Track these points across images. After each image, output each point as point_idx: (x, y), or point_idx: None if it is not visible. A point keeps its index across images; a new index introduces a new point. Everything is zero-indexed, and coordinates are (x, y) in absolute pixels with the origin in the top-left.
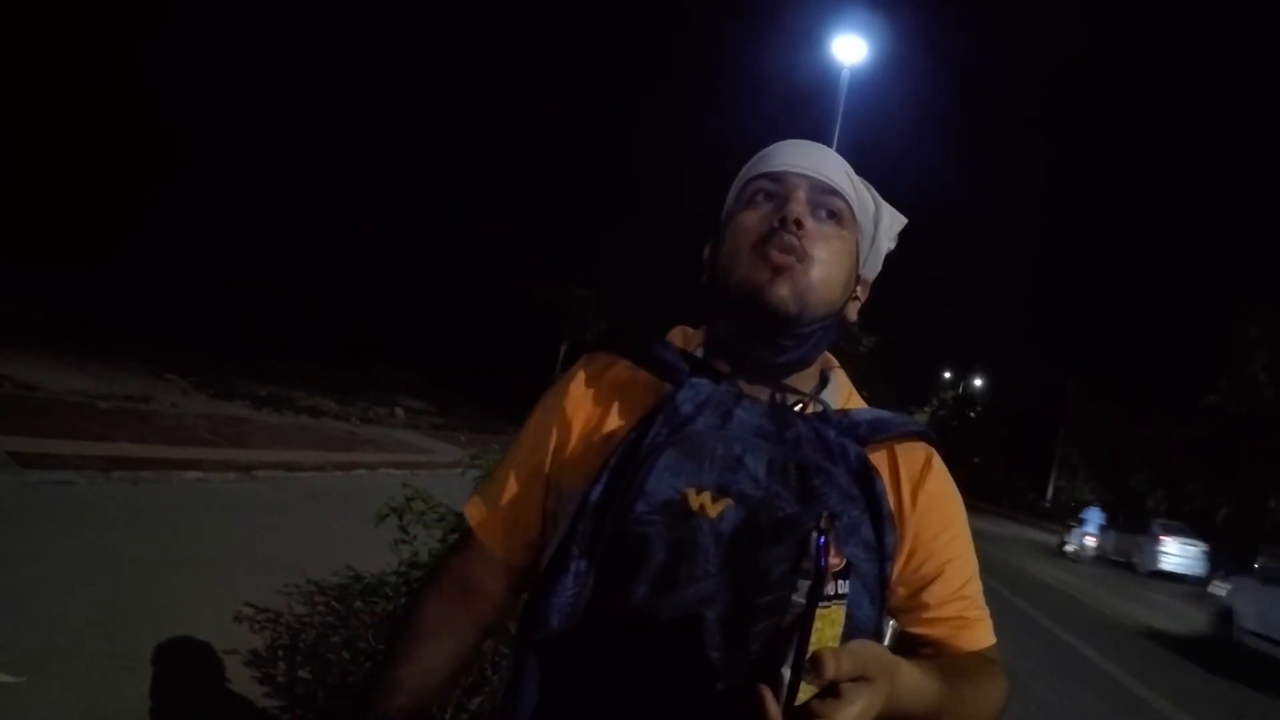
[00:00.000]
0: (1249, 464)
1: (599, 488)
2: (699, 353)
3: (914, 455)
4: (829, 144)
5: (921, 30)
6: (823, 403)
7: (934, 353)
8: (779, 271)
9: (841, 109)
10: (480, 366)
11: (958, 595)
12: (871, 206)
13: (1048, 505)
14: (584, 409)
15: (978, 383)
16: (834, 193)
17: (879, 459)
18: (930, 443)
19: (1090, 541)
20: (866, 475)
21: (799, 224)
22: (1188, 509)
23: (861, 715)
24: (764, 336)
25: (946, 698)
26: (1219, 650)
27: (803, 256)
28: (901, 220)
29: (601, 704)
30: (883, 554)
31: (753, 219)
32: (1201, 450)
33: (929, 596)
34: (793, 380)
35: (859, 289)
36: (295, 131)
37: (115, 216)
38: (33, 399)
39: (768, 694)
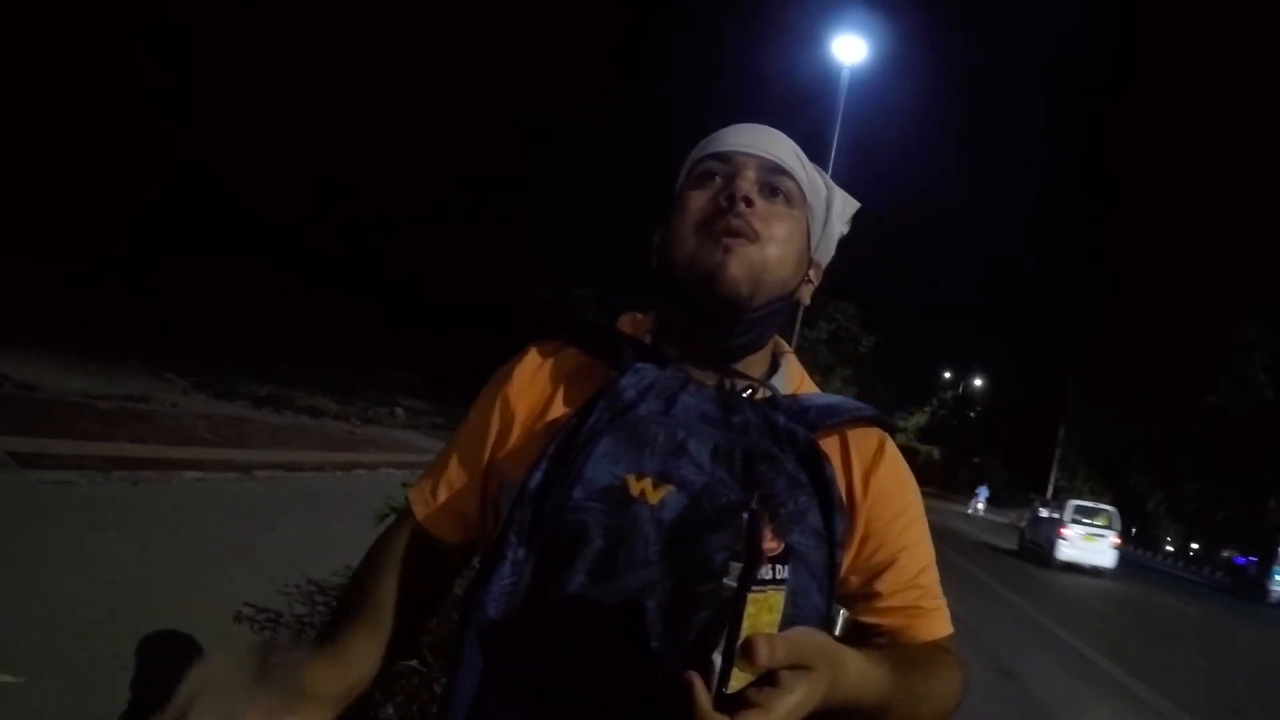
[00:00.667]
0: (1249, 464)
1: (538, 474)
2: (647, 338)
3: (866, 441)
4: (829, 144)
5: (921, 30)
6: (772, 388)
7: (934, 353)
8: (729, 251)
9: (841, 109)
10: (480, 367)
11: (912, 584)
12: (823, 189)
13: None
14: (527, 396)
15: (978, 383)
16: (783, 172)
17: (830, 445)
18: (884, 428)
19: (980, 506)
20: (815, 461)
21: (748, 202)
22: (1187, 509)
23: (800, 705)
24: (715, 319)
25: (896, 688)
26: (1020, 551)
27: (753, 236)
28: (854, 204)
29: (540, 693)
30: (832, 541)
31: (700, 198)
32: (1201, 450)
33: (881, 585)
34: (743, 365)
35: (811, 272)
36: (295, 131)
37: (116, 216)
38: (33, 399)
39: (697, 681)
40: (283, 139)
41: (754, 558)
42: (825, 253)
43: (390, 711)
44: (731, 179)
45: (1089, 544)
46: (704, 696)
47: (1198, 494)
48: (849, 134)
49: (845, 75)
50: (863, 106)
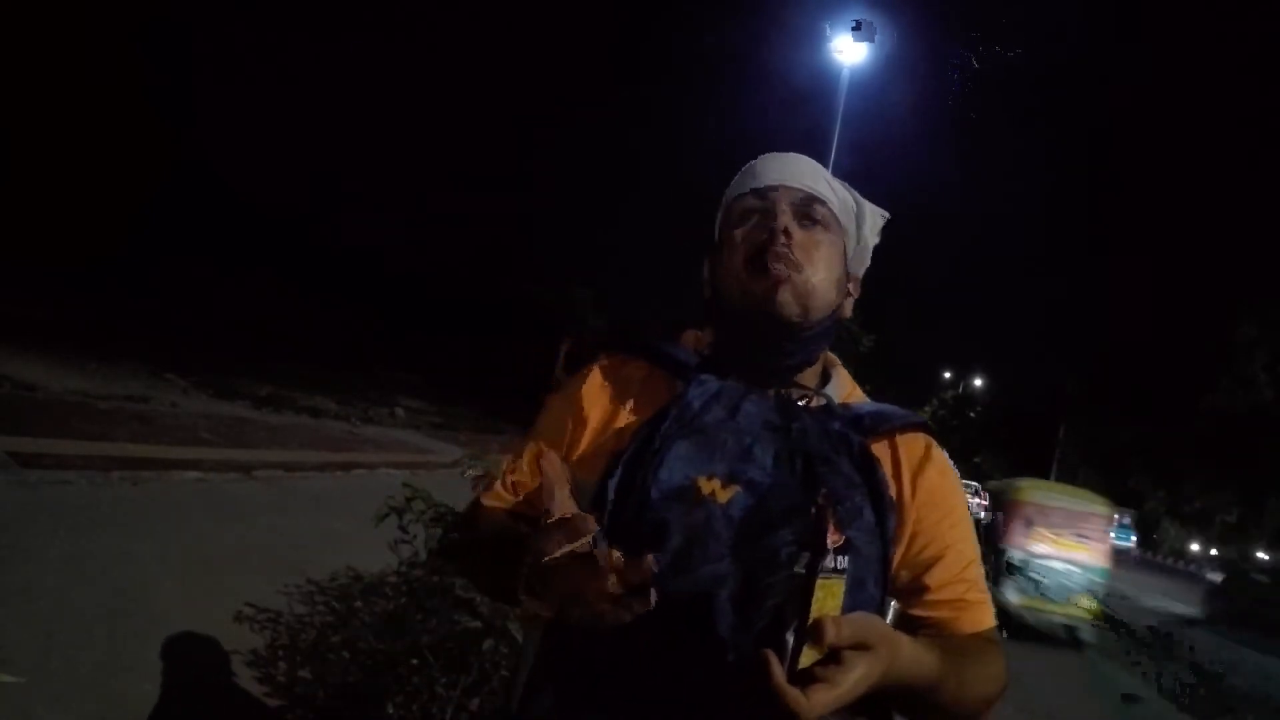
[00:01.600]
0: (1249, 464)
1: (616, 477)
2: (708, 353)
3: (914, 445)
4: (829, 144)
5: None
6: (826, 397)
7: (934, 353)
8: (778, 282)
9: (842, 109)
10: (480, 366)
11: (958, 578)
12: (853, 206)
13: None
14: (598, 405)
15: (978, 383)
16: (816, 200)
17: (880, 449)
18: (929, 434)
19: None
20: (868, 464)
21: (788, 234)
22: (1187, 509)
23: (861, 680)
24: (770, 343)
25: (946, 672)
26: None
27: (797, 266)
28: (883, 215)
29: (620, 679)
30: (884, 537)
31: (743, 235)
32: (1201, 450)
33: (930, 579)
34: (798, 378)
35: (851, 286)
36: (295, 131)
37: (115, 216)
38: (33, 399)
39: (773, 658)
40: (283, 139)
41: (821, 547)
42: (860, 265)
43: (390, 711)
44: (771, 214)
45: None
46: (779, 670)
47: (1197, 494)
48: (849, 134)
49: (845, 75)
50: (863, 106)
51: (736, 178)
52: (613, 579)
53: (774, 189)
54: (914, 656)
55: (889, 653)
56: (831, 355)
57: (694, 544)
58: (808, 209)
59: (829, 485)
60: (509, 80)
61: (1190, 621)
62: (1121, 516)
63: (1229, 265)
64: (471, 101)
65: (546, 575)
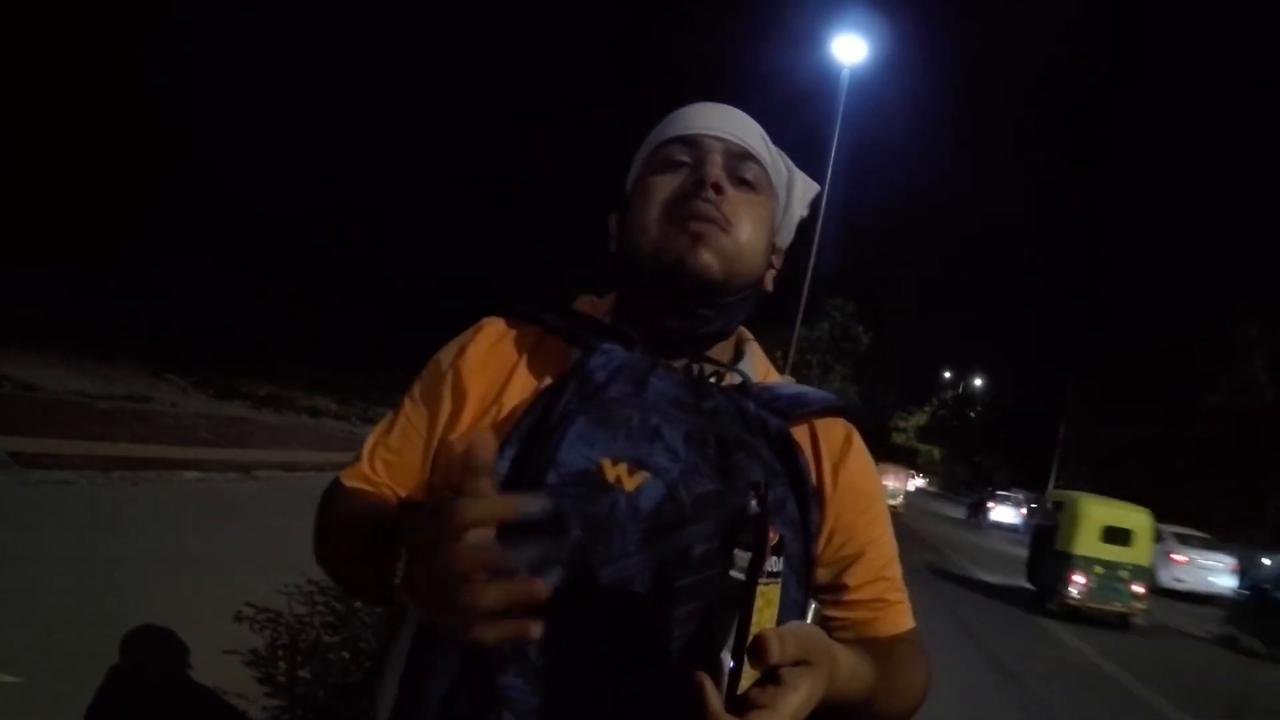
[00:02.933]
0: (1249, 464)
1: (507, 457)
2: (608, 320)
3: (833, 432)
4: (829, 144)
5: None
6: (741, 374)
7: (934, 353)
8: (699, 238)
9: (842, 109)
10: None
11: (878, 576)
12: (784, 172)
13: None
14: (482, 374)
15: (978, 383)
16: (750, 158)
17: (799, 435)
18: (851, 418)
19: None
20: (789, 450)
21: (718, 189)
22: (1187, 509)
23: (805, 703)
24: (683, 307)
25: (878, 681)
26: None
27: (724, 224)
28: (814, 188)
29: (518, 693)
30: (808, 531)
31: (665, 184)
32: (1201, 450)
33: (850, 578)
34: (710, 352)
35: (774, 258)
36: (296, 132)
37: (115, 216)
38: (33, 399)
39: (708, 683)
40: (283, 139)
41: (763, 548)
42: (786, 237)
43: None
44: (700, 164)
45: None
46: (715, 699)
47: (1197, 494)
48: (849, 134)
49: (845, 75)
50: (863, 106)
51: (662, 121)
52: (491, 589)
53: (707, 138)
54: (851, 670)
55: (830, 668)
56: (744, 330)
57: (596, 538)
58: (741, 166)
59: (748, 473)
60: (509, 81)
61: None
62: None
63: (1229, 266)
64: (472, 103)
65: (416, 570)
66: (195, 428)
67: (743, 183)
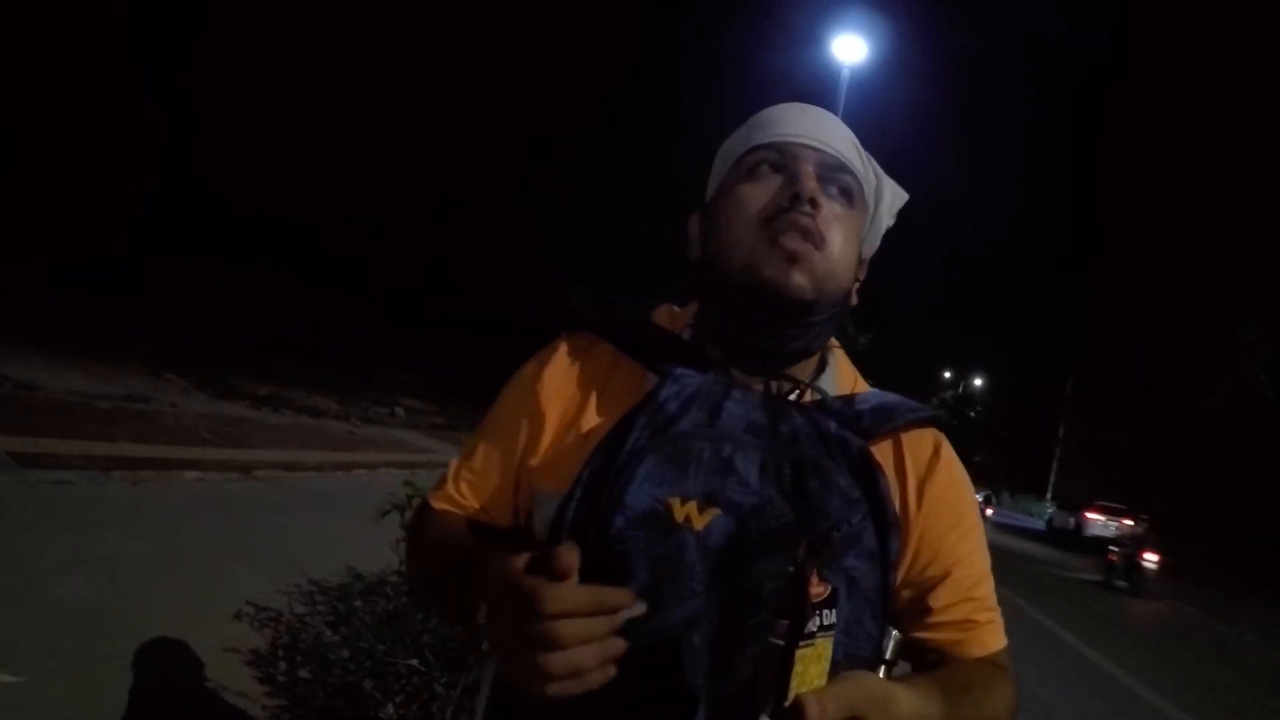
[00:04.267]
0: (1249, 464)
1: (575, 500)
2: (686, 334)
3: (921, 444)
4: None
5: (922, 30)
6: (821, 390)
7: (934, 353)
8: (794, 258)
9: (842, 109)
10: (480, 366)
11: (965, 597)
12: (874, 180)
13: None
14: (559, 399)
15: (978, 383)
16: (844, 169)
17: (882, 450)
18: (939, 428)
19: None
20: (869, 474)
21: (814, 203)
22: (1186, 508)
23: None
24: (770, 326)
25: (949, 717)
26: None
27: (819, 241)
28: (903, 196)
29: None
30: (886, 562)
31: (757, 194)
32: (1201, 450)
33: (934, 600)
34: (794, 369)
35: (860, 270)
36: (297, 131)
37: (115, 216)
38: (33, 399)
39: None
40: (285, 140)
41: (801, 614)
42: (871, 248)
43: (390, 711)
44: (795, 175)
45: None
46: None
47: (1197, 493)
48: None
49: (845, 75)
50: (863, 106)
51: (749, 122)
52: (571, 625)
53: (800, 145)
54: (913, 711)
55: (885, 716)
56: (832, 339)
57: (663, 579)
58: (834, 177)
59: (822, 503)
60: (510, 82)
61: None
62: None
63: (1230, 266)
64: (473, 103)
65: (496, 625)
66: (195, 428)
67: (836, 195)
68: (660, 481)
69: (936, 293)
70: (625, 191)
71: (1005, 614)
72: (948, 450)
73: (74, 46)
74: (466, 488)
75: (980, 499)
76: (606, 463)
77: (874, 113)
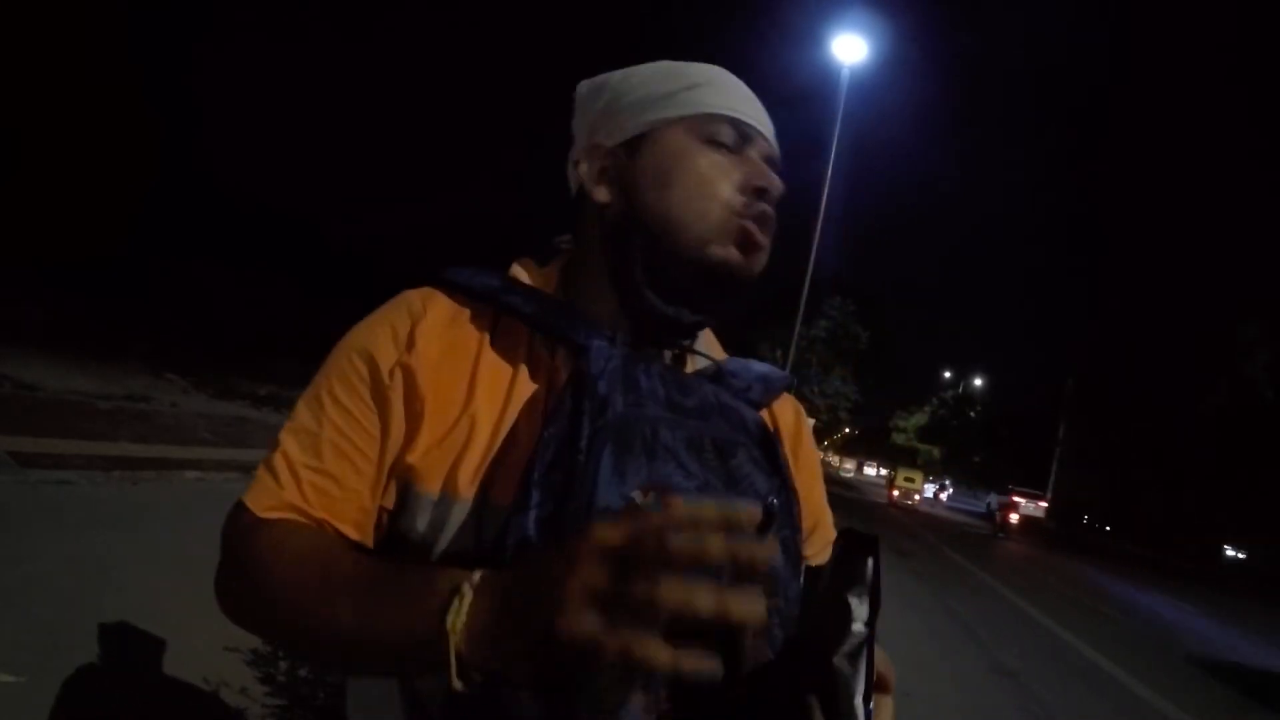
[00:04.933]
0: (1249, 464)
1: (532, 508)
2: (563, 296)
3: (786, 410)
4: (829, 144)
5: (922, 30)
6: (707, 356)
7: (934, 353)
8: (757, 249)
9: (842, 109)
10: None
11: (823, 522)
12: None
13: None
14: (439, 376)
15: (978, 382)
16: (775, 163)
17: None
18: (792, 392)
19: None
20: (770, 447)
21: (774, 202)
22: (1187, 508)
23: (892, 715)
24: (705, 303)
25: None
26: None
27: (771, 235)
28: None
29: None
30: (795, 526)
31: (720, 168)
32: (1201, 450)
33: (809, 548)
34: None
35: None
36: (296, 132)
37: (115, 216)
38: (33, 399)
39: None
40: (285, 139)
41: (878, 596)
42: None
43: None
44: (759, 166)
45: (909, 487)
46: None
47: (1196, 493)
48: (849, 134)
49: (845, 75)
50: (863, 106)
51: (677, 71)
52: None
53: (758, 133)
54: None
55: (892, 674)
56: None
57: None
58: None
59: (751, 481)
60: (510, 82)
61: None
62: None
63: (1230, 266)
64: (472, 103)
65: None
66: (195, 428)
67: None
68: (623, 474)
69: (937, 293)
70: None
71: (938, 556)
72: (803, 413)
73: (74, 46)
74: (312, 491)
75: (935, 487)
76: (557, 460)
77: (874, 112)
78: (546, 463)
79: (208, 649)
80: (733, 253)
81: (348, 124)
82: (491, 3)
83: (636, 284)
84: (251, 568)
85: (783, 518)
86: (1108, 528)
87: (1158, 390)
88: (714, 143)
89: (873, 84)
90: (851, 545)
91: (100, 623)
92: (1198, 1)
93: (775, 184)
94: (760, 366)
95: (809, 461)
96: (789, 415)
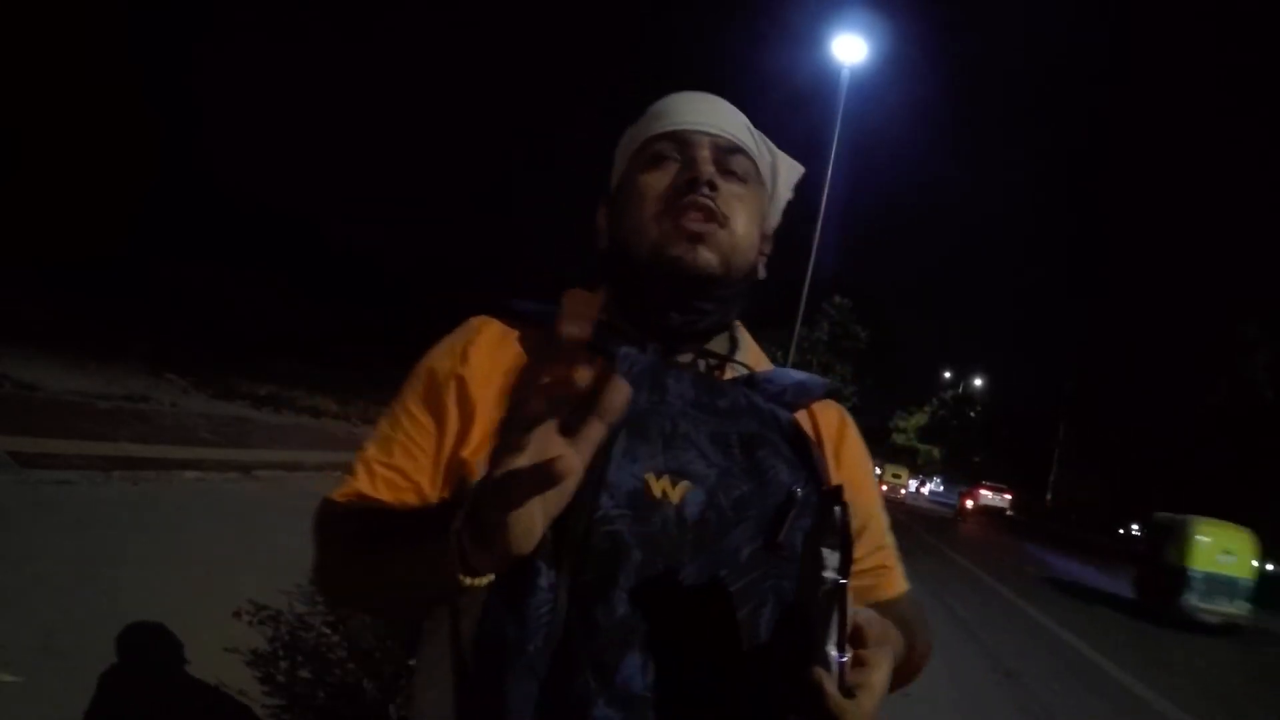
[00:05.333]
0: (1249, 464)
1: None
2: (604, 318)
3: (829, 415)
4: (829, 144)
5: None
6: (744, 365)
7: (934, 353)
8: (698, 237)
9: (842, 109)
10: None
11: (878, 545)
12: (768, 157)
13: (1048, 502)
14: (490, 384)
15: (978, 383)
16: (739, 150)
17: (800, 420)
18: (837, 400)
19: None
20: (803, 444)
21: (712, 185)
22: (1186, 506)
23: (888, 676)
24: (684, 303)
25: (904, 643)
26: None
27: (721, 219)
28: (798, 170)
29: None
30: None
31: (657, 181)
32: (1201, 450)
33: (856, 550)
34: (711, 346)
35: (765, 244)
36: (296, 132)
37: (115, 216)
38: (33, 399)
39: (826, 678)
40: (286, 139)
41: (849, 546)
42: (773, 222)
43: (390, 711)
44: (691, 160)
45: (896, 482)
46: (835, 689)
47: (1197, 493)
48: (849, 134)
49: (845, 75)
50: (863, 106)
51: (646, 114)
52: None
53: (695, 132)
54: (897, 635)
55: (895, 641)
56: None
57: (655, 557)
58: (729, 160)
59: (776, 472)
60: (509, 83)
61: None
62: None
63: (1230, 266)
64: (472, 103)
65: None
66: (195, 428)
67: (733, 176)
68: (635, 458)
69: (937, 293)
70: None
71: (910, 531)
72: (850, 419)
73: (74, 46)
74: (384, 485)
75: (916, 482)
76: None
77: (874, 112)
78: None
79: (208, 649)
80: (681, 248)
81: (348, 124)
82: (492, 3)
83: (631, 305)
84: (321, 534)
85: (804, 508)
86: (1073, 517)
87: (1158, 390)
88: (655, 162)
89: (873, 84)
90: (822, 499)
91: (100, 623)
92: (1197, 2)
93: (704, 172)
94: (798, 374)
95: (854, 463)
96: (832, 419)
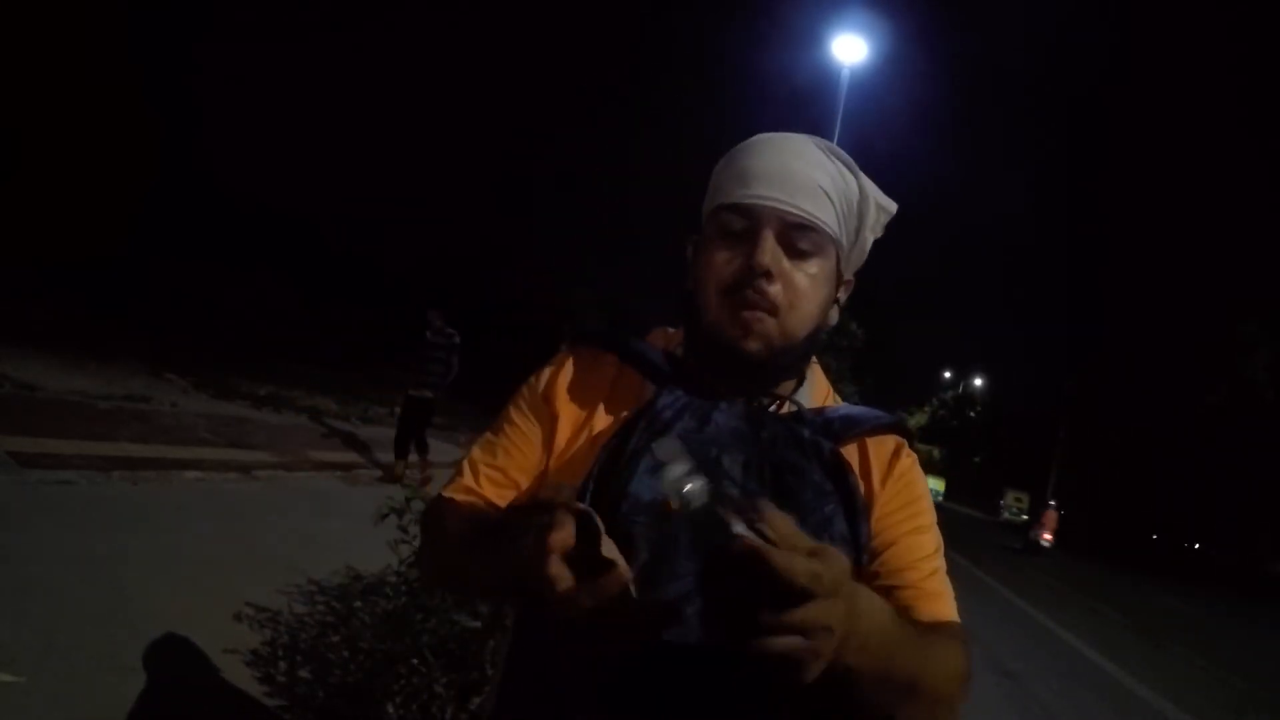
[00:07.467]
0: (1249, 464)
1: (588, 491)
2: (678, 353)
3: (883, 446)
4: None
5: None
6: (796, 403)
7: (934, 353)
8: (748, 328)
9: (842, 109)
10: (481, 366)
11: (913, 565)
12: (855, 196)
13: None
14: (570, 404)
15: (978, 383)
16: (808, 226)
17: (850, 453)
18: (901, 433)
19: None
20: (839, 471)
21: (769, 277)
22: (1185, 506)
23: (821, 614)
24: (738, 376)
25: (912, 644)
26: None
27: (774, 309)
28: (890, 210)
29: (590, 692)
30: (857, 545)
31: (723, 259)
32: (1202, 450)
33: (880, 565)
34: (773, 385)
35: (841, 291)
36: (296, 132)
37: (115, 216)
38: (33, 399)
39: (733, 517)
40: (285, 139)
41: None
42: (855, 265)
43: (390, 711)
44: (755, 246)
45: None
46: (745, 529)
47: (1196, 493)
48: (849, 134)
49: (845, 75)
50: (863, 106)
51: (726, 165)
52: (565, 573)
53: (761, 208)
54: (873, 606)
55: (852, 590)
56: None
57: (661, 560)
58: (797, 236)
59: (798, 495)
60: (510, 83)
61: None
62: None
63: (1230, 266)
64: (473, 105)
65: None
66: (195, 428)
67: (798, 254)
68: (660, 476)
69: (937, 293)
70: (625, 191)
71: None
72: (907, 451)
73: (74, 46)
74: (487, 482)
75: None
76: (612, 460)
77: (874, 113)
78: (603, 461)
79: (208, 649)
80: (735, 333)
81: (348, 124)
82: (492, 3)
83: (697, 350)
84: (429, 524)
85: (829, 530)
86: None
87: (1158, 390)
88: (725, 234)
89: (873, 85)
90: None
91: (100, 623)
92: (1198, 1)
93: (761, 263)
94: (855, 409)
95: (899, 494)
96: (884, 451)
